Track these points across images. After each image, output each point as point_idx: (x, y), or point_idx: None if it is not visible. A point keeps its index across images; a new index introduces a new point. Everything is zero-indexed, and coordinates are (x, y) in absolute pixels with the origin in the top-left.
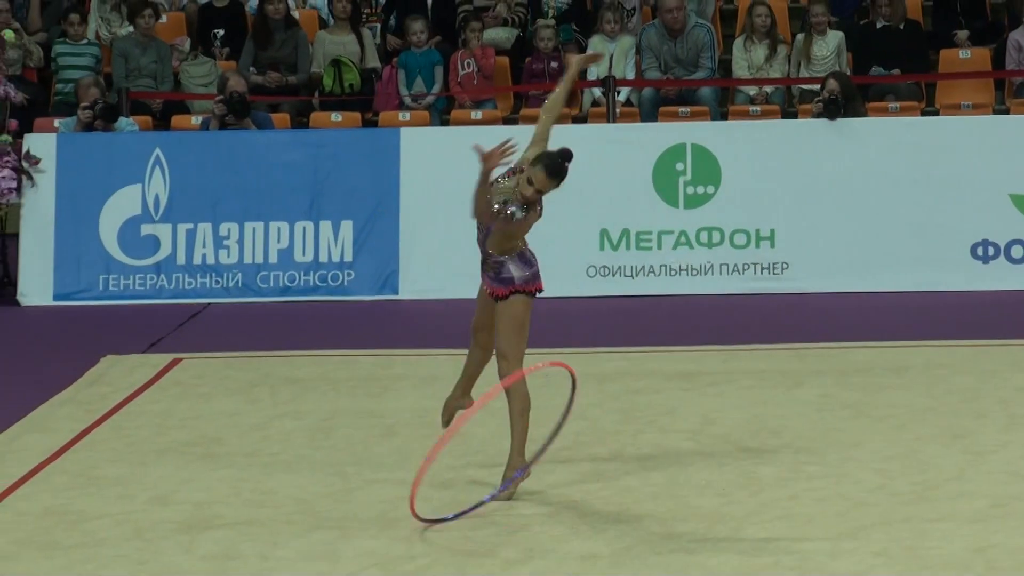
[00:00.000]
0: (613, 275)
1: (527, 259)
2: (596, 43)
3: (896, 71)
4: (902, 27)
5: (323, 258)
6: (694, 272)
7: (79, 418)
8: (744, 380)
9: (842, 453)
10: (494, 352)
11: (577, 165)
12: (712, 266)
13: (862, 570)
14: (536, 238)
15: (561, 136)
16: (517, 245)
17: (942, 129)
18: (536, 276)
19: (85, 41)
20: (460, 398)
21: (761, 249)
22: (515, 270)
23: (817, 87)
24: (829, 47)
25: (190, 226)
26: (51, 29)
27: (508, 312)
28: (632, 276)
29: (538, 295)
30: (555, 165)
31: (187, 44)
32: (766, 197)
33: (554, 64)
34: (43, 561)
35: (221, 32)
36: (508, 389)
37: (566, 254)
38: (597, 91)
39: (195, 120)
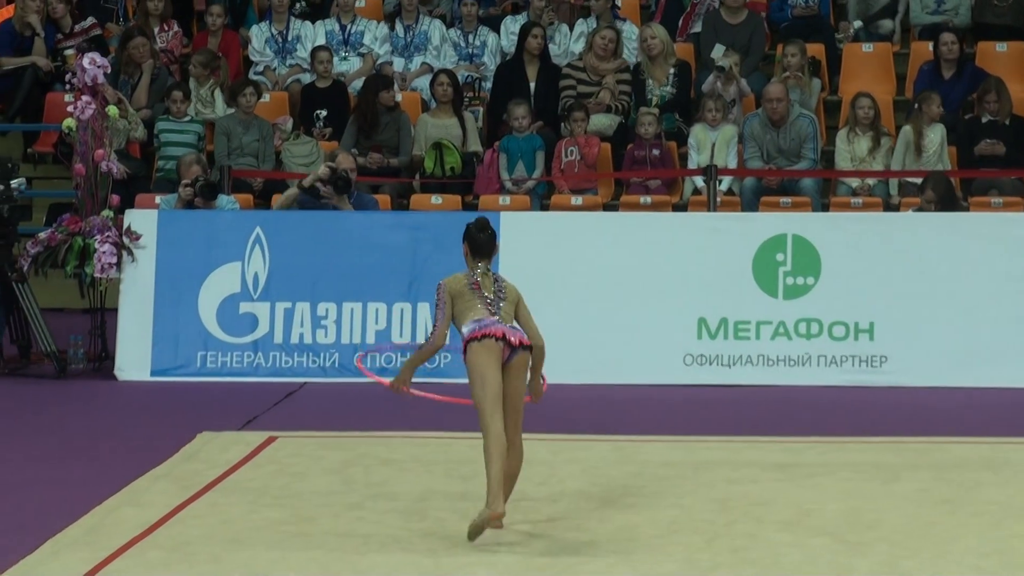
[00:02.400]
0: (710, 364)
1: (478, 320)
2: (698, 131)
3: (998, 143)
4: (1007, 122)
5: (421, 340)
6: (792, 363)
7: (174, 493)
8: (841, 472)
9: (938, 548)
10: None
11: (676, 253)
12: (810, 358)
13: None
14: (633, 325)
15: (661, 224)
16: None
17: None
18: (485, 327)
19: (188, 118)
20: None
21: (860, 342)
22: (465, 330)
23: (919, 180)
24: (935, 141)
25: (288, 305)
26: (155, 106)
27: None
28: (729, 366)
29: (496, 340)
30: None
31: (289, 124)
32: (866, 290)
33: (655, 152)
34: None
35: (324, 113)
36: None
37: (663, 342)
38: (698, 180)
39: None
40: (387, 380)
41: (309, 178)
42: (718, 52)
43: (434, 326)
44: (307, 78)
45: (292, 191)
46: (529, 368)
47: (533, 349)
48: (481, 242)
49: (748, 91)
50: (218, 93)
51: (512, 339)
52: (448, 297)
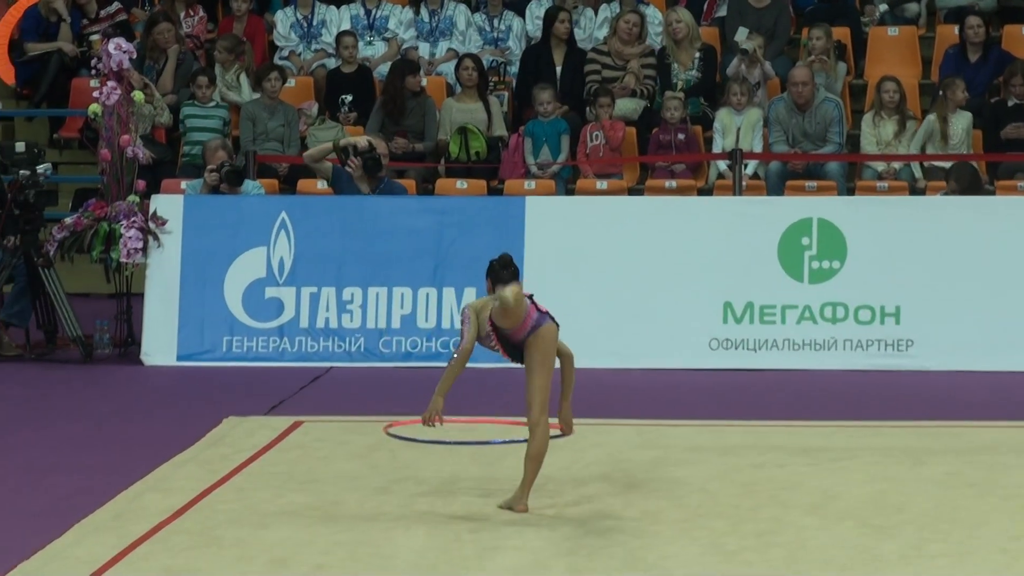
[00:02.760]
0: (736, 348)
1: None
2: (723, 115)
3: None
4: None
5: (445, 325)
6: (817, 347)
7: (200, 478)
8: (867, 456)
9: (966, 532)
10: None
11: (702, 237)
12: (836, 342)
13: None
14: (658, 309)
15: (687, 208)
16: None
17: None
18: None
19: (213, 103)
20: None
21: (886, 326)
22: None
23: (946, 164)
24: (960, 129)
25: (314, 290)
26: (180, 91)
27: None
28: (755, 350)
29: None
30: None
31: (315, 109)
32: (892, 273)
33: (680, 136)
34: None
35: (349, 98)
36: None
37: (689, 326)
38: (724, 164)
39: (321, 184)
40: (418, 418)
41: (347, 139)
42: (741, 35)
43: (461, 339)
44: (332, 63)
45: (326, 145)
46: (556, 343)
47: (563, 358)
48: (505, 279)
49: (772, 74)
50: (243, 78)
51: (540, 305)
52: (473, 313)
